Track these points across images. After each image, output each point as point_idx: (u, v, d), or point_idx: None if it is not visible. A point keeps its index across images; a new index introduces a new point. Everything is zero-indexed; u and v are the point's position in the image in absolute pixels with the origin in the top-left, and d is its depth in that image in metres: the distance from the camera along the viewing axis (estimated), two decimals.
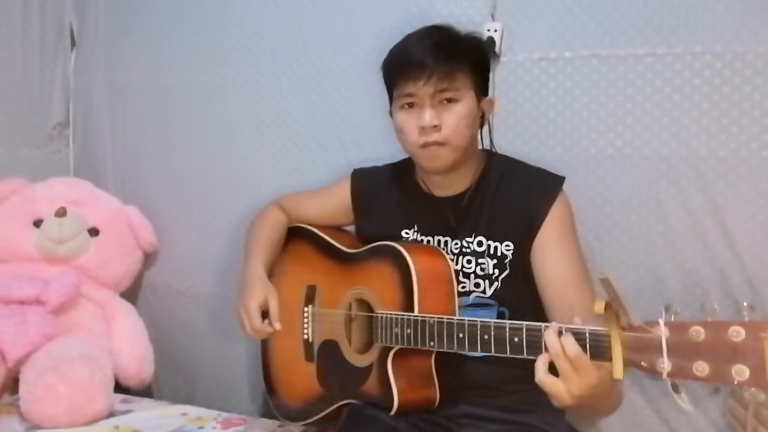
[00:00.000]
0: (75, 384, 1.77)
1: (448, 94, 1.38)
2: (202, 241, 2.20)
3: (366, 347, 1.48)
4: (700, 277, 1.57)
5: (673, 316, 0.94)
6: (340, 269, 1.58)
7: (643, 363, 0.96)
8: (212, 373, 2.22)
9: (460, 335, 1.24)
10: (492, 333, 1.19)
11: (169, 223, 2.26)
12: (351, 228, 1.70)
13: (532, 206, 1.41)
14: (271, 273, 1.64)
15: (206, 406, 1.97)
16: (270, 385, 1.76)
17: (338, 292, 1.56)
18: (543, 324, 1.11)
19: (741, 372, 0.86)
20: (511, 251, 1.42)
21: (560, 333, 1.06)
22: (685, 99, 1.57)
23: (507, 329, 1.16)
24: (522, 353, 1.14)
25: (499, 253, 1.43)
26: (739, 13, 1.50)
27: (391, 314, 1.38)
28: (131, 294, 2.26)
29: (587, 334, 1.04)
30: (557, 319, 1.32)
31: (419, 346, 1.32)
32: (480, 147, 1.53)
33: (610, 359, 0.99)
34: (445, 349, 1.28)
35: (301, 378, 1.64)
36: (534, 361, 1.08)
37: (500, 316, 1.42)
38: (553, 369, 1.06)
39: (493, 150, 1.56)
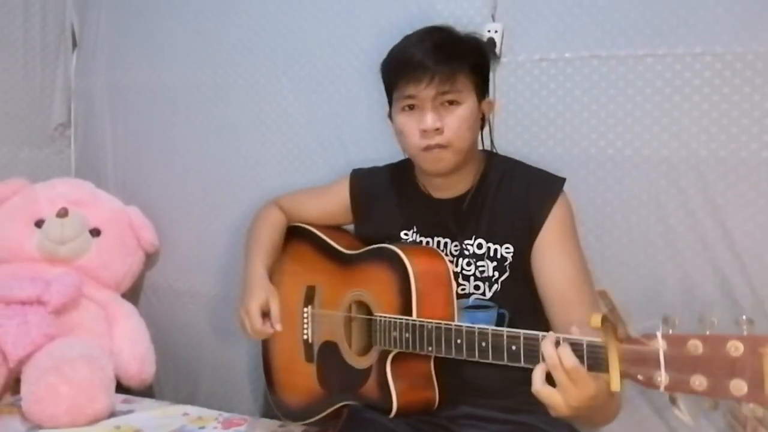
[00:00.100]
0: (76, 384, 1.77)
1: (450, 96, 1.37)
2: (203, 241, 2.20)
3: (365, 349, 1.47)
4: (700, 278, 1.58)
5: (671, 329, 0.92)
6: (339, 270, 1.58)
7: (640, 376, 0.95)
8: (213, 373, 2.22)
9: (458, 341, 1.24)
10: (489, 340, 1.18)
11: (170, 223, 2.26)
12: (351, 227, 1.69)
13: (532, 208, 1.40)
14: (271, 273, 1.64)
15: (207, 406, 1.98)
16: (271, 385, 1.76)
17: (337, 294, 1.56)
18: (540, 333, 1.10)
19: (739, 387, 0.85)
20: (511, 254, 1.41)
21: (557, 343, 1.05)
22: (686, 100, 1.57)
23: (504, 337, 1.15)
24: (519, 362, 1.13)
25: (498, 256, 1.42)
26: (739, 14, 1.51)
27: (389, 318, 1.37)
28: (132, 294, 2.27)
29: (584, 346, 1.03)
30: (557, 322, 1.33)
31: (417, 351, 1.32)
32: (480, 147, 1.52)
33: (607, 371, 0.98)
34: (443, 355, 1.28)
35: (301, 378, 1.64)
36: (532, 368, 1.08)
37: (500, 318, 1.42)
38: (550, 379, 1.05)
39: (494, 150, 1.55)
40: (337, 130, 1.99)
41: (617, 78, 1.63)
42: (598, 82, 1.65)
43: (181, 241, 2.25)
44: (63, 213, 2.06)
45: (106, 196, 2.24)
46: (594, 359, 1.01)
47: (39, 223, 2.08)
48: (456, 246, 1.47)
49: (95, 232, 2.12)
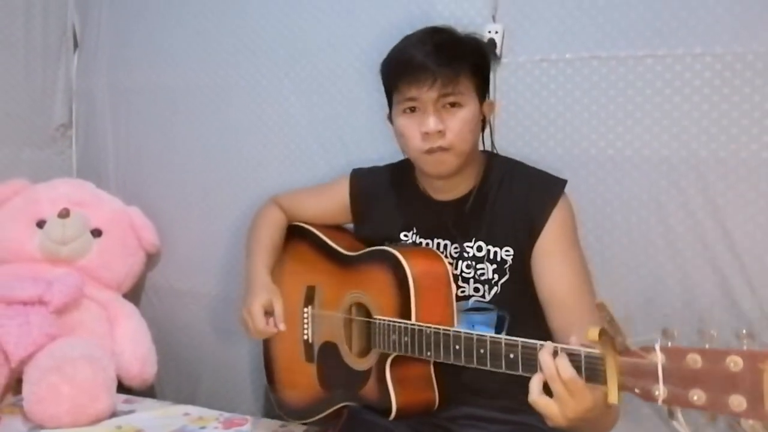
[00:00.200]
0: (78, 384, 1.77)
1: (452, 99, 1.36)
2: (204, 241, 2.21)
3: (365, 351, 1.47)
4: (700, 278, 1.58)
5: (669, 341, 0.91)
6: (338, 271, 1.57)
7: (637, 389, 0.93)
8: (214, 373, 2.22)
9: (456, 347, 1.23)
10: (488, 347, 1.17)
11: (171, 224, 2.26)
12: (351, 226, 1.69)
13: (532, 211, 1.39)
14: (272, 272, 1.64)
15: (208, 406, 1.98)
16: (272, 383, 1.76)
17: (337, 295, 1.56)
18: (539, 342, 1.09)
19: (739, 403, 0.84)
20: (511, 256, 1.40)
21: (555, 353, 1.04)
22: (686, 100, 1.57)
23: (503, 345, 1.14)
24: (517, 370, 1.12)
25: (498, 259, 1.41)
26: (739, 14, 1.51)
27: (388, 321, 1.37)
28: (134, 295, 2.27)
29: (583, 357, 1.01)
30: (556, 325, 1.32)
31: (416, 355, 1.31)
32: (480, 148, 1.52)
33: (605, 382, 0.98)
34: (442, 360, 1.27)
35: (302, 378, 1.64)
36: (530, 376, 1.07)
37: (500, 320, 1.42)
38: (548, 388, 1.04)
39: (494, 151, 1.54)
40: (339, 130, 1.99)
41: (617, 79, 1.63)
42: (598, 83, 1.65)
43: (182, 241, 2.26)
44: (64, 213, 2.07)
45: (107, 196, 2.24)
46: (592, 370, 1.00)
47: (40, 224, 2.08)
48: (456, 248, 1.46)
49: (96, 233, 2.13)
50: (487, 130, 1.52)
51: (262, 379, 1.80)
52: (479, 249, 1.44)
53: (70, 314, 1.96)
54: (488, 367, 1.18)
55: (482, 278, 1.43)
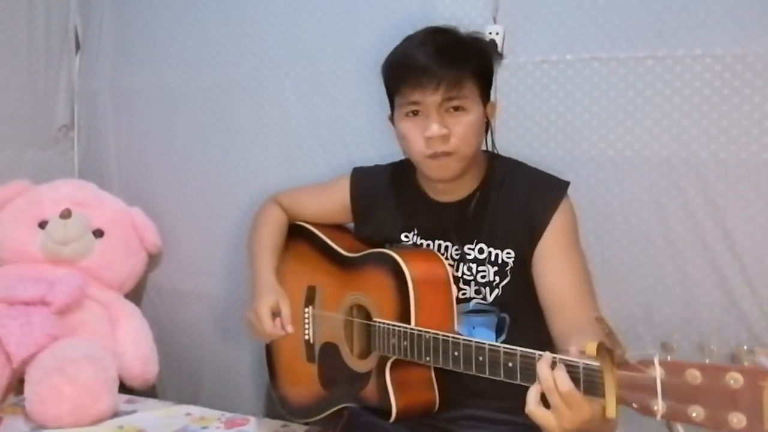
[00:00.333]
0: (80, 384, 1.78)
1: (456, 102, 1.34)
2: (206, 242, 2.21)
3: (366, 352, 1.47)
4: (701, 278, 1.58)
5: (669, 355, 0.90)
6: (339, 272, 1.57)
7: (635, 404, 0.92)
8: (216, 373, 2.23)
9: (455, 353, 1.23)
10: (486, 355, 1.17)
11: (173, 224, 2.27)
12: (351, 225, 1.69)
13: (533, 213, 1.38)
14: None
15: (210, 406, 1.99)
16: (274, 382, 1.77)
17: (337, 296, 1.55)
18: (537, 352, 1.08)
19: (738, 420, 0.83)
20: (512, 259, 1.40)
21: (553, 365, 1.03)
22: (686, 101, 1.57)
23: (501, 353, 1.14)
24: (516, 379, 1.12)
25: (500, 261, 1.41)
26: (739, 15, 1.51)
27: (388, 325, 1.37)
28: (135, 295, 2.28)
29: (581, 369, 1.00)
30: (557, 328, 1.31)
31: (415, 360, 1.31)
32: (482, 148, 1.50)
33: (603, 395, 0.96)
34: (441, 365, 1.27)
35: (303, 378, 1.65)
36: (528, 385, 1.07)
37: (500, 322, 1.42)
38: (545, 399, 1.04)
39: (495, 152, 1.53)
40: (339, 131, 1.99)
41: (618, 80, 1.63)
42: (598, 84, 1.65)
43: (183, 242, 2.26)
44: (66, 214, 2.07)
45: (109, 197, 2.25)
46: (590, 383, 0.99)
47: (42, 224, 2.08)
48: (457, 250, 1.46)
49: (98, 233, 2.13)
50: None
51: (264, 379, 1.80)
52: (480, 251, 1.43)
53: (72, 315, 1.97)
54: (487, 375, 1.17)
55: (483, 280, 1.42)
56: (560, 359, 1.03)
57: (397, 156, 1.59)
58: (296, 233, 1.72)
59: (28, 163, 2.32)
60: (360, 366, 1.48)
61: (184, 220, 2.25)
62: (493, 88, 1.49)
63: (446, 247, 1.47)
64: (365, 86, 1.91)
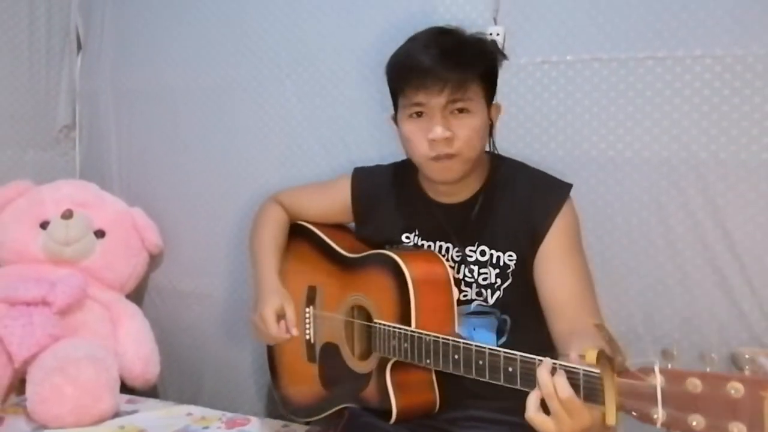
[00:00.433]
0: (81, 384, 1.78)
1: (460, 105, 1.33)
2: (207, 242, 2.21)
3: (366, 353, 1.48)
4: (700, 278, 1.58)
5: (669, 363, 0.89)
6: (339, 273, 1.57)
7: (636, 411, 0.92)
8: (217, 373, 2.23)
9: (456, 357, 1.23)
10: (486, 359, 1.16)
11: (174, 225, 2.27)
12: (353, 224, 1.69)
13: (535, 216, 1.37)
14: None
15: (211, 406, 1.99)
16: (276, 382, 1.77)
17: (338, 296, 1.56)
18: (537, 358, 1.08)
19: (739, 430, 0.82)
20: (514, 261, 1.39)
21: (553, 371, 1.03)
22: (686, 102, 1.57)
23: (501, 358, 1.14)
24: (516, 383, 1.11)
25: (501, 263, 1.41)
26: (739, 16, 1.51)
27: (388, 326, 1.36)
28: (137, 295, 2.28)
29: (581, 376, 1.00)
30: (558, 331, 1.31)
31: (416, 362, 1.31)
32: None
33: (603, 402, 0.95)
34: (441, 368, 1.27)
35: (304, 377, 1.65)
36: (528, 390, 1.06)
37: (501, 324, 1.42)
38: (545, 405, 1.03)
39: (495, 152, 1.52)
40: (340, 131, 1.99)
41: (618, 80, 1.64)
42: (599, 85, 1.66)
43: (184, 242, 2.26)
44: (68, 214, 2.07)
45: (110, 197, 2.25)
46: (590, 390, 0.99)
47: (44, 225, 2.09)
48: (458, 252, 1.45)
49: (100, 234, 2.13)
50: None
51: (265, 379, 1.80)
52: (482, 253, 1.43)
53: (73, 315, 1.97)
54: (487, 379, 1.17)
55: (485, 282, 1.42)
56: (560, 365, 1.03)
57: (398, 156, 1.59)
58: (297, 233, 1.72)
59: (29, 164, 2.32)
60: (360, 367, 1.48)
61: (185, 221, 2.26)
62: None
63: (447, 249, 1.47)
64: (365, 86, 1.92)
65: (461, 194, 1.46)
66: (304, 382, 1.65)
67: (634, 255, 1.64)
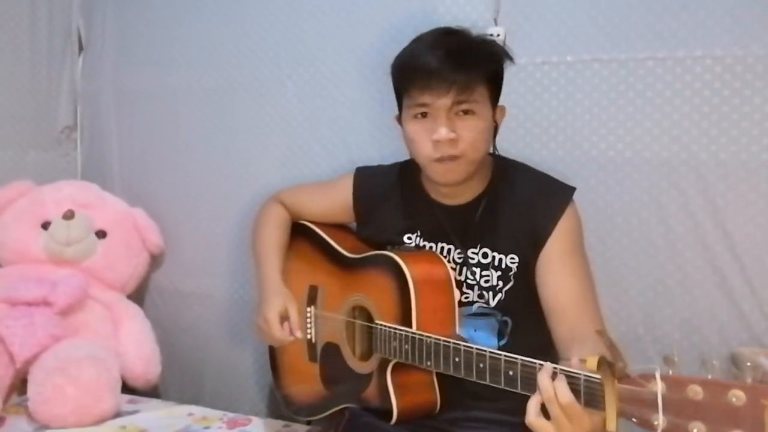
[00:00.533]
0: (82, 385, 1.78)
1: (465, 106, 1.33)
2: (208, 243, 2.22)
3: (367, 354, 1.48)
4: (701, 279, 1.58)
5: (670, 369, 0.89)
6: (340, 273, 1.57)
7: (636, 417, 0.91)
8: (218, 373, 2.23)
9: (456, 359, 1.22)
10: (487, 362, 1.16)
11: (175, 225, 2.27)
12: (354, 224, 1.69)
13: (538, 219, 1.37)
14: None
15: (212, 406, 1.99)
16: (278, 382, 1.77)
17: (339, 296, 1.56)
18: (538, 362, 1.08)
19: None
20: (516, 264, 1.39)
21: (554, 376, 1.02)
22: (686, 102, 1.57)
23: (502, 361, 1.13)
24: (516, 387, 1.11)
25: (503, 266, 1.40)
26: (739, 16, 1.51)
27: (389, 328, 1.36)
28: (138, 296, 2.28)
29: (582, 381, 0.99)
30: (559, 334, 1.31)
31: (416, 364, 1.31)
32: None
33: (604, 408, 0.95)
34: (442, 371, 1.27)
35: (305, 377, 1.65)
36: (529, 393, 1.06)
37: (502, 326, 1.42)
38: (545, 410, 1.03)
39: (496, 152, 1.52)
40: (341, 132, 2.00)
41: (618, 81, 1.64)
42: (599, 85, 1.66)
43: (186, 242, 2.26)
44: (69, 215, 2.08)
45: (111, 198, 2.25)
46: (591, 395, 0.98)
47: (45, 225, 2.09)
48: (460, 254, 1.45)
49: (101, 234, 2.13)
50: None
51: (266, 379, 1.81)
52: (485, 256, 1.43)
53: (74, 315, 1.97)
54: (487, 382, 1.17)
55: (487, 285, 1.42)
56: (561, 370, 1.03)
57: (399, 156, 1.59)
58: (299, 232, 1.72)
59: (30, 164, 2.32)
60: (361, 367, 1.48)
61: (186, 221, 2.26)
62: None
63: (449, 251, 1.47)
64: (366, 87, 1.92)
65: (464, 196, 1.46)
66: (306, 382, 1.65)
67: (634, 255, 1.65)
